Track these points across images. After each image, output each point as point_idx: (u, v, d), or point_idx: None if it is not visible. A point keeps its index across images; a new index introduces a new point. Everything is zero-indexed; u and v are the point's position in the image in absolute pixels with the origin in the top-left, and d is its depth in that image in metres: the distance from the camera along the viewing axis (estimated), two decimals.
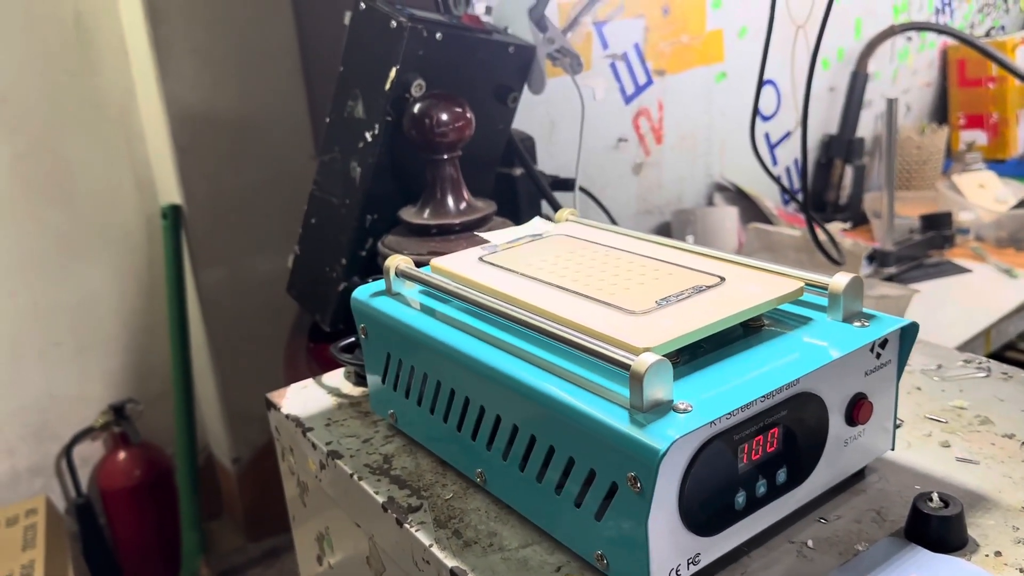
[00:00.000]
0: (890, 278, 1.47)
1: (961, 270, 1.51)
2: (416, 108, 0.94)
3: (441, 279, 0.63)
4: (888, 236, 1.52)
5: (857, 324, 0.54)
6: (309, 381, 0.80)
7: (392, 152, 0.98)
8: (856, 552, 0.51)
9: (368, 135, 0.97)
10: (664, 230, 1.58)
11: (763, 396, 0.48)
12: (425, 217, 0.95)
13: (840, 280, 0.55)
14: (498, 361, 0.54)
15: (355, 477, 0.64)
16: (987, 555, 0.50)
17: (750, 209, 1.61)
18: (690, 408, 0.46)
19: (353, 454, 0.67)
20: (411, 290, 0.67)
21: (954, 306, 1.37)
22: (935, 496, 0.52)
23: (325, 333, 1.07)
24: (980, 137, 2.08)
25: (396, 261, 0.66)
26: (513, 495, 0.57)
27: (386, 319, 0.64)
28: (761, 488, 0.51)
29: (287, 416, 0.74)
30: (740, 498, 0.50)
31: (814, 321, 0.56)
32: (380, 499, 0.61)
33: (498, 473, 0.57)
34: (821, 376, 0.51)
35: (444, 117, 0.93)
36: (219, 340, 1.68)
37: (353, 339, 0.81)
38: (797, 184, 1.84)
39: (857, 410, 0.54)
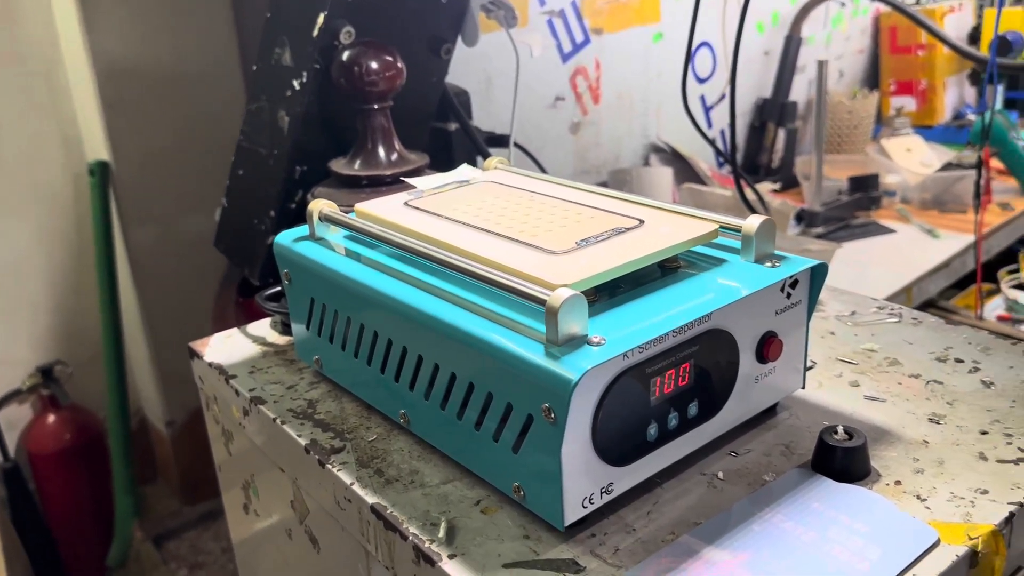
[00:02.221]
0: (818, 237, 1.51)
1: (886, 231, 1.55)
2: (345, 56, 0.93)
3: (365, 223, 0.63)
4: (816, 197, 1.56)
5: (768, 265, 0.56)
6: (234, 330, 0.79)
7: (322, 102, 0.97)
8: (764, 483, 0.53)
9: (296, 83, 0.96)
10: None
11: (675, 331, 0.49)
12: (356, 168, 0.95)
13: (753, 222, 0.56)
14: (419, 302, 0.55)
15: (278, 422, 0.63)
16: (887, 484, 0.53)
17: (685, 170, 1.63)
18: (603, 342, 0.47)
19: (277, 400, 0.66)
20: (335, 235, 0.66)
21: (878, 265, 1.42)
22: (840, 429, 0.54)
23: (254, 287, 1.06)
24: (909, 103, 2.13)
25: (320, 205, 0.66)
26: (435, 434, 0.58)
27: (310, 264, 0.64)
28: (673, 421, 0.52)
29: (210, 364, 0.73)
30: (652, 430, 0.51)
31: (728, 262, 0.57)
32: (303, 442, 0.61)
33: (421, 413, 0.58)
34: (732, 313, 0.53)
35: (374, 65, 0.92)
36: (150, 300, 1.65)
37: (279, 288, 0.80)
38: (730, 148, 1.87)
39: (767, 348, 0.56)
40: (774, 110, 1.87)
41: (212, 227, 1.12)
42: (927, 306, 1.46)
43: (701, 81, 1.75)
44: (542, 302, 0.47)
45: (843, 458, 0.53)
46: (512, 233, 0.58)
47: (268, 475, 0.70)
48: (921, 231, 1.55)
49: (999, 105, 1.83)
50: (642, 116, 1.67)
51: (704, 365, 0.53)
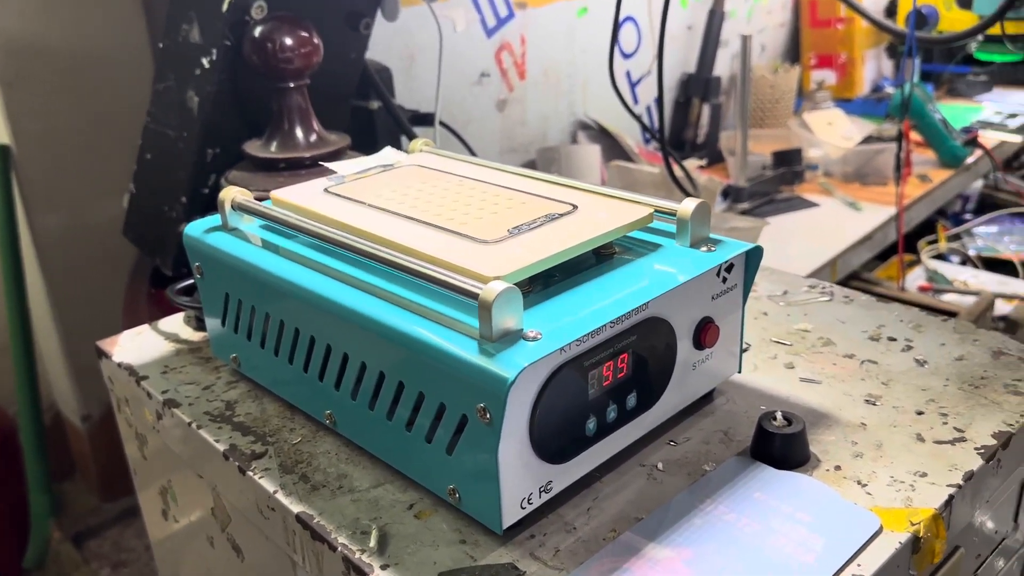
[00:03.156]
0: (743, 213, 1.52)
1: (810, 204, 1.57)
2: (257, 32, 0.88)
3: (282, 212, 0.59)
4: (741, 172, 1.57)
5: (704, 249, 0.54)
6: (144, 327, 0.74)
7: (233, 80, 0.92)
8: (704, 472, 0.52)
9: (205, 61, 0.90)
10: (529, 168, 1.57)
11: (612, 321, 0.47)
12: (272, 151, 0.90)
13: (688, 206, 0.55)
14: (344, 297, 0.51)
15: (194, 426, 0.60)
16: (828, 470, 0.52)
17: (613, 147, 1.62)
18: (540, 336, 0.45)
19: (192, 402, 0.62)
20: (250, 225, 0.62)
21: (803, 239, 1.43)
22: (779, 415, 0.53)
23: (167, 277, 1.01)
24: (829, 76, 2.16)
25: (232, 193, 0.62)
26: (363, 435, 0.55)
27: (223, 256, 0.60)
28: (612, 413, 0.50)
29: (119, 365, 0.68)
30: (591, 424, 0.49)
31: (663, 247, 0.55)
32: (221, 447, 0.57)
33: (348, 414, 0.55)
34: (669, 300, 0.51)
35: (288, 42, 0.88)
36: (60, 290, 1.57)
37: (192, 280, 0.76)
38: (658, 122, 1.86)
39: (704, 334, 0.54)
40: (698, 85, 1.87)
41: (122, 214, 1.06)
42: (851, 278, 1.48)
43: (626, 56, 1.74)
44: (474, 296, 0.45)
45: (782, 445, 0.52)
46: (440, 221, 0.55)
47: (186, 481, 0.66)
48: (844, 204, 1.58)
49: (916, 78, 1.86)
50: (568, 93, 1.65)
51: (642, 354, 0.51)
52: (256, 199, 0.62)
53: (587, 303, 0.48)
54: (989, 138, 1.86)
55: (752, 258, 0.56)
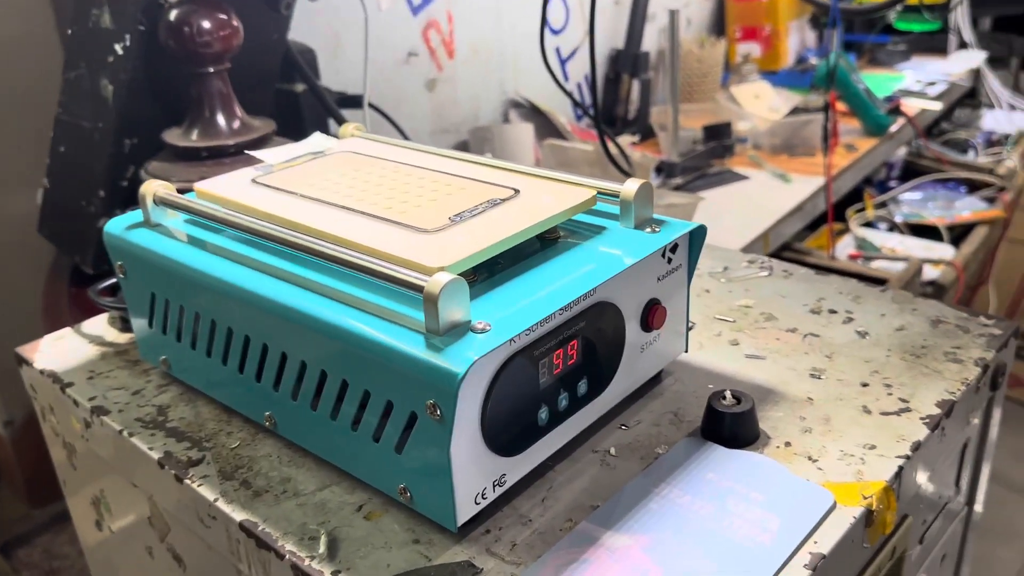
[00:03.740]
0: (676, 188, 1.52)
1: (740, 177, 1.58)
2: (173, 15, 0.84)
3: (208, 205, 0.56)
4: (674, 148, 1.57)
5: (648, 230, 0.54)
6: (66, 331, 0.70)
7: (149, 67, 0.87)
8: (657, 456, 0.52)
9: (118, 48, 0.86)
10: (462, 149, 1.55)
11: (561, 309, 0.46)
12: (193, 139, 0.86)
13: (631, 187, 0.54)
14: (279, 293, 0.49)
15: (125, 433, 0.57)
16: (778, 446, 0.52)
17: (545, 126, 1.61)
18: (488, 327, 0.43)
19: (122, 408, 0.59)
20: (174, 220, 0.59)
21: (736, 212, 1.44)
22: (728, 394, 0.53)
23: (88, 276, 0.96)
24: (755, 49, 2.18)
25: (153, 187, 0.58)
26: (307, 436, 0.53)
27: (147, 254, 0.57)
28: (563, 401, 0.49)
29: (42, 372, 0.65)
30: (543, 414, 0.48)
31: (608, 230, 0.54)
32: (155, 455, 0.54)
33: (289, 415, 0.52)
34: (616, 284, 0.50)
35: (206, 25, 0.84)
36: None
37: (113, 281, 0.72)
38: (589, 99, 1.85)
39: (652, 315, 0.54)
40: (627, 61, 1.86)
41: (37, 210, 1.01)
42: (783, 249, 1.50)
43: (555, 32, 1.72)
44: (419, 288, 0.43)
45: (732, 424, 0.52)
46: (377, 211, 0.53)
47: (119, 490, 0.63)
48: (773, 176, 1.59)
49: (839, 48, 1.89)
50: (498, 71, 1.62)
51: (591, 340, 0.50)
52: (179, 191, 0.59)
53: (535, 290, 0.47)
54: (911, 106, 1.90)
55: (696, 238, 0.55)
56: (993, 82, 2.31)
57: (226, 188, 0.58)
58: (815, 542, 0.44)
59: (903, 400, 0.55)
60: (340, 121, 1.12)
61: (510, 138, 1.49)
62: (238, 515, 0.49)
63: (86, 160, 0.91)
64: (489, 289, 0.47)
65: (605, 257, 0.51)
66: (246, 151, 0.65)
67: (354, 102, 1.18)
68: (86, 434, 0.62)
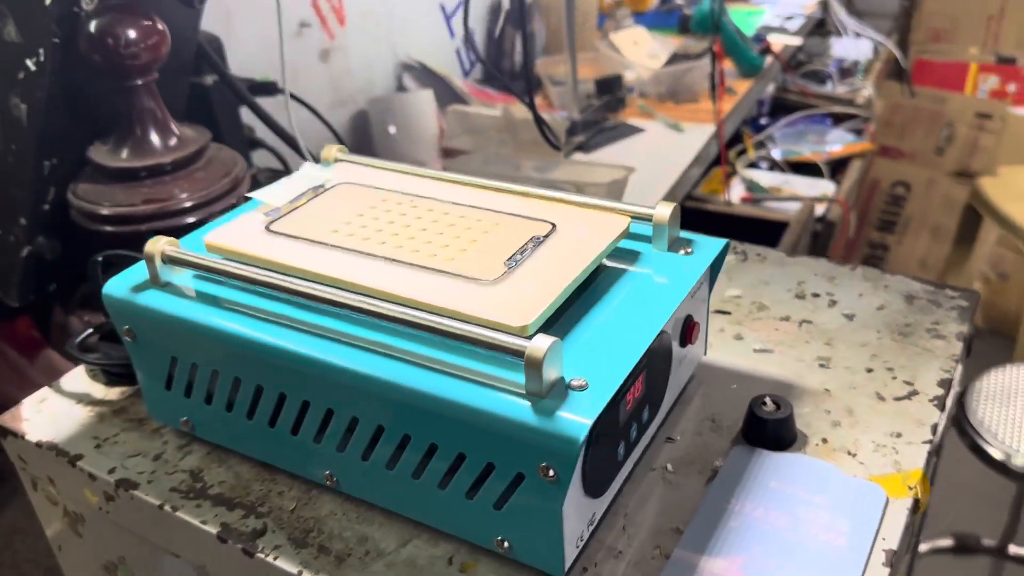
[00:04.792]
0: (579, 148, 1.54)
1: (637, 130, 1.62)
2: (94, 26, 0.77)
3: (229, 263, 0.54)
4: (575, 104, 1.59)
5: (682, 252, 0.56)
6: (46, 391, 0.65)
7: (67, 81, 0.80)
8: (715, 469, 0.55)
9: (30, 63, 0.78)
10: (361, 119, 1.50)
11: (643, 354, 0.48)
12: (125, 157, 0.81)
13: (663, 211, 0.55)
14: (352, 361, 0.48)
15: (167, 508, 0.54)
16: (816, 444, 0.56)
17: (441, 88, 1.58)
18: (585, 384, 0.44)
19: (150, 479, 0.56)
20: (182, 276, 0.56)
21: (643, 167, 1.48)
22: (768, 400, 0.56)
23: (12, 309, 0.89)
24: None
25: (160, 246, 0.54)
26: (378, 493, 0.52)
27: (167, 319, 0.53)
28: (634, 432, 0.51)
29: (39, 445, 0.60)
30: (621, 449, 0.50)
31: (643, 254, 0.56)
32: (212, 530, 0.52)
33: (355, 473, 0.52)
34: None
35: (133, 34, 0.78)
36: None
37: (89, 332, 0.67)
38: (475, 56, 1.83)
39: (689, 332, 0.56)
40: (510, 14, 1.84)
41: None
42: (686, 199, 1.56)
43: None
44: (518, 352, 0.43)
45: (776, 429, 0.56)
46: (421, 259, 0.52)
47: (147, 558, 0.60)
48: (667, 126, 1.64)
49: None
50: (388, 35, 1.57)
51: (652, 370, 0.52)
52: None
53: (607, 333, 0.48)
54: (775, 43, 2.00)
55: (721, 252, 0.58)
56: (839, 10, 2.45)
57: (242, 240, 0.56)
58: (883, 538, 0.49)
59: (908, 383, 0.61)
60: (256, 111, 1.07)
61: (412, 108, 1.46)
62: None
63: (2, 186, 0.83)
64: (561, 334, 0.48)
65: (658, 288, 0.52)
66: (246, 194, 0.61)
67: (265, 89, 1.12)
68: (107, 507, 0.58)
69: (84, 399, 0.64)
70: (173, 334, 0.54)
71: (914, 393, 0.60)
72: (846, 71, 2.25)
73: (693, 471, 0.55)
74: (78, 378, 0.67)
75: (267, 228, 0.57)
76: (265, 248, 0.54)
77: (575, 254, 0.52)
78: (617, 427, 0.49)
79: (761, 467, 0.54)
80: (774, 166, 1.79)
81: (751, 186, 1.65)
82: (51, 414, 0.63)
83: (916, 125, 2.80)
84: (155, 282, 0.55)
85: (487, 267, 0.51)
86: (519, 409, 0.43)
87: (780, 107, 2.06)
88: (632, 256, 0.56)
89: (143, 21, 0.79)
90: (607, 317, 0.50)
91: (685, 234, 0.57)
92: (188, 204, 0.81)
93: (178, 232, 0.81)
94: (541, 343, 0.43)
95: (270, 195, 0.60)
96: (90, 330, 0.67)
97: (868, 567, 0.47)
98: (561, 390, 0.44)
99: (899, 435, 0.56)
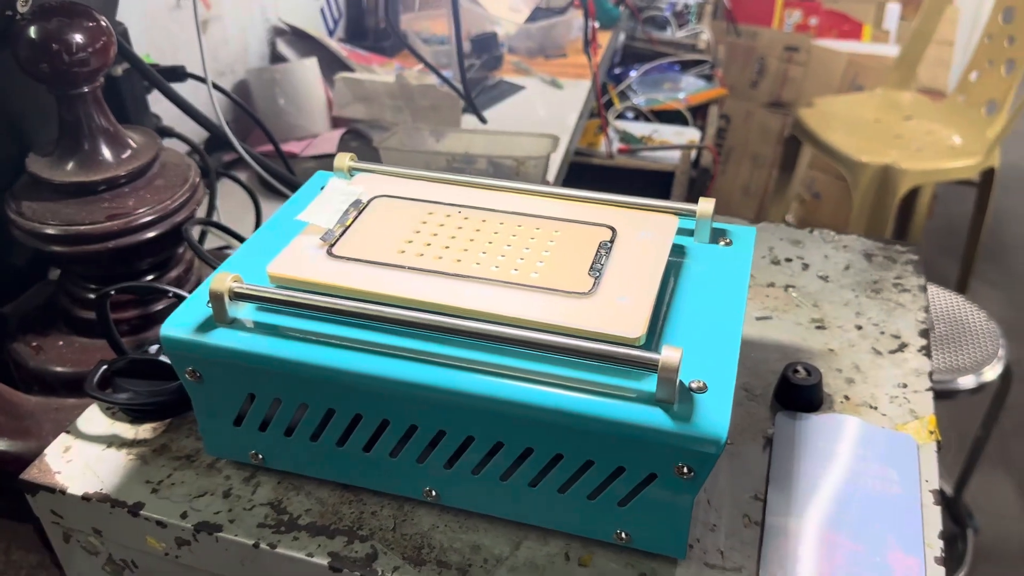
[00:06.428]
0: (465, 110, 1.55)
1: (517, 88, 1.64)
2: (34, 31, 0.70)
3: (304, 295, 0.53)
4: (460, 67, 1.58)
5: (723, 243, 0.60)
6: (66, 438, 0.61)
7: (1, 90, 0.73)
8: (767, 435, 0.61)
9: None
10: (243, 90, 1.42)
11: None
12: (71, 170, 0.75)
13: (707, 207, 0.60)
14: (465, 384, 0.49)
15: (264, 545, 0.53)
16: (841, 402, 0.64)
17: (319, 53, 1.52)
18: (704, 386, 0.48)
19: (232, 518, 0.55)
20: (243, 310, 0.54)
21: (533, 127, 1.51)
22: (800, 368, 0.63)
23: None
24: None
25: (227, 283, 0.52)
26: (484, 502, 0.54)
27: (249, 358, 0.52)
28: None
29: (85, 498, 0.57)
30: None
31: (689, 248, 0.60)
32: (322, 561, 0.53)
33: (459, 487, 0.54)
34: None
35: (79, 39, 0.72)
36: None
37: (104, 368, 0.63)
38: (338, 13, 1.77)
39: None
40: None
41: None
42: (577, 154, 1.61)
43: None
44: (651, 365, 0.47)
45: (808, 393, 0.63)
46: (506, 276, 0.54)
47: None
48: (544, 83, 1.68)
49: None
50: None
51: None
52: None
53: (699, 329, 0.52)
54: None
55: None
56: None
57: (309, 269, 0.54)
58: (926, 480, 0.57)
59: (895, 336, 0.69)
60: (170, 96, 1.00)
61: (297, 79, 1.40)
62: None
63: None
64: (659, 339, 0.52)
65: (720, 281, 0.57)
66: (296, 218, 0.58)
67: (174, 74, 1.05)
68: (178, 551, 0.57)
69: (114, 441, 0.61)
70: (251, 372, 0.53)
71: (904, 345, 0.69)
72: (679, 14, 2.37)
73: (747, 439, 0.61)
74: (96, 419, 0.63)
75: (329, 252, 0.56)
76: (333, 275, 0.54)
77: (647, 256, 0.55)
78: None
79: (806, 429, 0.61)
80: (638, 116, 1.87)
81: (625, 137, 1.73)
82: (82, 462, 0.59)
83: (732, 60, 3.00)
84: (221, 320, 0.53)
85: (574, 279, 0.53)
86: (657, 417, 0.47)
87: (630, 56, 2.15)
88: (680, 252, 0.60)
89: (86, 22, 0.72)
90: (688, 315, 0.54)
91: (720, 225, 0.62)
92: (151, 217, 0.76)
93: (140, 248, 0.77)
94: (674, 354, 0.46)
95: (317, 216, 0.59)
96: (104, 366, 0.63)
97: (925, 508, 0.55)
98: (686, 393, 0.48)
99: (905, 385, 0.65)
